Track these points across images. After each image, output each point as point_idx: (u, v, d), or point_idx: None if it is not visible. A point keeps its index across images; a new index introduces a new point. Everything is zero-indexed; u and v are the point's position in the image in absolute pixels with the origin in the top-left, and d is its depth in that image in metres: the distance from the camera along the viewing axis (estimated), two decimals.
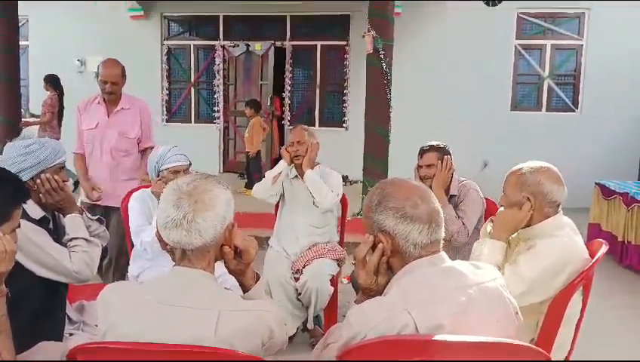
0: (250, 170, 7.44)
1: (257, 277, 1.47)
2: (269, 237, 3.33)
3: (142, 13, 8.67)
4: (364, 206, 1.34)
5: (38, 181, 1.90)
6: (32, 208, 1.88)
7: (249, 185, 7.32)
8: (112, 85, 3.32)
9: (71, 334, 2.05)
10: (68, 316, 2.10)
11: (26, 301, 1.70)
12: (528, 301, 1.75)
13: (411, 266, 1.26)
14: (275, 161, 8.13)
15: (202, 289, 1.27)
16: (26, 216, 1.77)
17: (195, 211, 1.24)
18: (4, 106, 5.76)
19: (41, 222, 1.90)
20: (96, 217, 2.18)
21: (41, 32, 9.05)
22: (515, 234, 1.94)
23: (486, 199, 2.82)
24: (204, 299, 1.24)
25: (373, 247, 1.31)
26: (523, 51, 8.00)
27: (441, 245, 1.31)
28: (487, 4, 7.65)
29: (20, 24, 6.23)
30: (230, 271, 1.43)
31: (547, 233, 1.84)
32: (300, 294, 2.91)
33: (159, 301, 1.24)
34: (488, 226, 2.06)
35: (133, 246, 2.73)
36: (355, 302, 1.40)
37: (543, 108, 8.08)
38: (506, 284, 1.32)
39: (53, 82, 6.89)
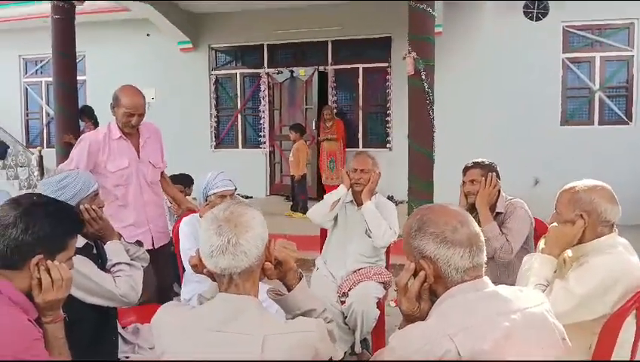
0: (296, 193, 7.53)
1: (300, 276, 1.53)
2: (314, 260, 3.35)
3: (191, 45, 9.09)
4: (404, 233, 1.36)
5: (78, 212, 1.97)
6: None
7: (294, 208, 7.41)
8: (139, 117, 2.94)
9: (127, 357, 2.14)
10: (123, 338, 2.20)
11: (79, 327, 1.78)
12: (579, 317, 1.72)
13: (453, 291, 1.26)
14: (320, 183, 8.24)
15: (248, 315, 1.31)
16: None
17: (237, 234, 1.30)
18: (64, 140, 6.13)
19: (84, 250, 1.98)
20: (135, 240, 2.27)
21: (97, 67, 9.62)
22: (569, 253, 1.91)
23: (535, 219, 2.77)
24: (250, 325, 1.29)
25: (415, 274, 1.31)
26: (571, 65, 7.79)
27: (484, 269, 1.30)
28: (531, 19, 7.54)
29: (77, 60, 6.65)
30: (273, 279, 1.50)
31: (599, 250, 1.81)
32: (346, 317, 2.91)
33: (208, 327, 1.30)
34: (541, 243, 2.03)
35: (184, 270, 2.84)
36: (398, 327, 1.42)
37: (595, 122, 7.80)
38: (555, 300, 1.31)
39: (88, 113, 7.24)
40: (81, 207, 2.00)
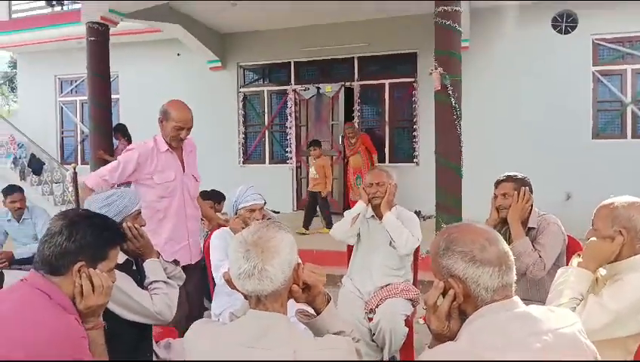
0: (321, 209, 7.46)
1: (328, 299, 1.53)
2: (342, 275, 3.36)
3: (220, 64, 9.32)
4: (432, 252, 1.36)
5: (121, 229, 2.05)
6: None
7: (306, 225, 7.25)
8: (188, 131, 2.97)
9: None
10: (155, 353, 2.25)
11: (118, 342, 1.82)
12: (612, 334, 1.69)
13: (483, 311, 1.25)
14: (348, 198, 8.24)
15: (277, 332, 1.33)
16: None
17: (263, 260, 1.32)
18: (98, 156, 6.33)
19: (124, 266, 2.05)
20: (172, 259, 2.33)
21: (129, 86, 9.92)
22: (602, 272, 1.88)
23: (568, 236, 2.72)
24: (280, 341, 1.31)
25: (444, 292, 1.31)
26: (602, 78, 7.66)
27: (514, 288, 1.29)
28: (560, 33, 7.46)
29: (111, 79, 6.87)
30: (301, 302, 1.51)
31: (635, 268, 1.78)
32: (374, 335, 2.90)
33: (239, 343, 1.33)
34: (574, 260, 2.00)
35: (214, 284, 2.89)
36: (428, 346, 1.41)
37: (628, 135, 7.63)
38: (588, 316, 1.29)
39: (122, 130, 7.47)
40: (124, 224, 2.07)
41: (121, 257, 2.04)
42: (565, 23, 7.52)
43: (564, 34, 7.50)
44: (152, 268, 2.14)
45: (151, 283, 2.10)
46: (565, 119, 7.56)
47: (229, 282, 1.50)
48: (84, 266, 1.48)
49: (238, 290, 1.41)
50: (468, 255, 1.27)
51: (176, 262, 2.33)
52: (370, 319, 2.94)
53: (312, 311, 1.55)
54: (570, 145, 7.54)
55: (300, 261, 1.45)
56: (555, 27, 7.56)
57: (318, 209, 7.47)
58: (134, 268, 2.16)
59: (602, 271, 1.90)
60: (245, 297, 1.42)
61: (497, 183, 2.78)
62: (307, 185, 7.84)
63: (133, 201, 2.15)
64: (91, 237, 1.51)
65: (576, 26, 7.47)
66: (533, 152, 7.52)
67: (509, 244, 2.51)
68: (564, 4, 7.47)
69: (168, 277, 2.19)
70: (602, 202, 1.93)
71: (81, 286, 1.46)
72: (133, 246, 2.11)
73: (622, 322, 1.70)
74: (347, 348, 1.38)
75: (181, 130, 2.90)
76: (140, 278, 2.12)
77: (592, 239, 1.91)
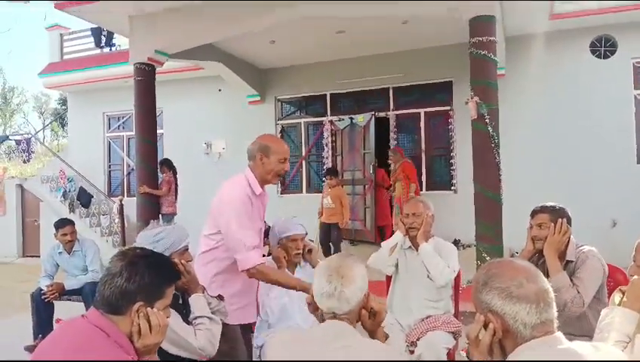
0: (335, 240, 7.24)
1: (386, 336, 1.76)
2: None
3: (259, 98, 9.61)
4: (473, 286, 1.39)
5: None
6: None
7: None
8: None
9: None
10: None
11: None
12: None
13: (524, 347, 1.26)
14: (379, 230, 8.20)
15: (349, 334, 1.58)
16: None
17: (342, 284, 1.58)
18: (141, 192, 6.56)
19: (171, 300, 2.13)
20: (217, 294, 2.39)
21: (173, 121, 10.31)
22: None
23: (611, 266, 2.63)
24: (350, 340, 1.55)
25: (485, 326, 1.33)
26: None
27: (556, 324, 1.30)
28: (599, 57, 7.36)
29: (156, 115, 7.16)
30: (365, 329, 1.73)
31: None
32: None
33: (319, 340, 1.56)
34: (616, 297, 1.95)
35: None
36: None
37: None
38: (638, 357, 1.27)
39: (167, 164, 7.87)
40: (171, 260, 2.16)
41: None
42: (604, 48, 7.42)
43: (604, 58, 7.40)
44: (197, 303, 2.20)
45: (195, 318, 2.16)
46: (607, 144, 7.39)
47: (310, 305, 1.73)
48: (143, 306, 1.54)
49: (315, 314, 1.70)
50: (505, 291, 1.29)
51: (220, 297, 2.40)
52: (412, 352, 2.91)
53: None
54: (614, 170, 7.34)
55: (368, 291, 1.68)
56: (593, 52, 7.47)
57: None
58: (180, 301, 2.23)
59: None
60: (320, 316, 1.66)
61: (533, 213, 2.68)
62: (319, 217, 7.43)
63: (180, 238, 2.23)
64: (149, 278, 1.56)
65: (615, 50, 7.36)
66: (577, 179, 7.35)
67: (546, 277, 2.46)
68: (602, 29, 7.39)
69: (212, 312, 2.24)
70: None
71: (139, 325, 1.52)
72: (180, 282, 2.16)
73: None
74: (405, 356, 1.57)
75: (285, 161, 2.63)
76: (185, 312, 2.19)
77: (634, 278, 1.88)
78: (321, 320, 1.66)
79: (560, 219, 2.56)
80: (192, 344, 2.05)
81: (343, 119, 9.07)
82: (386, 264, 3.19)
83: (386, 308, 1.77)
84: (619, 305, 1.88)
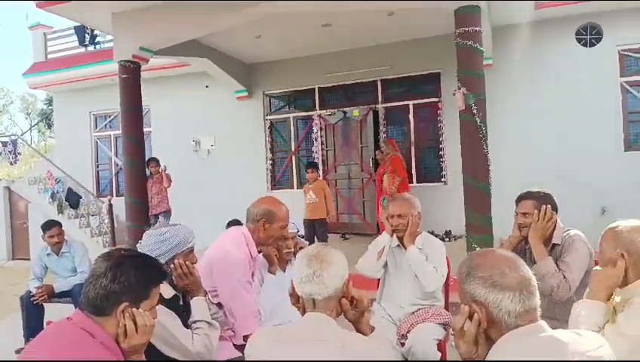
0: (323, 237, 7.02)
1: (372, 329, 1.74)
2: (373, 299, 3.35)
3: (246, 93, 9.57)
4: (457, 277, 1.39)
5: (172, 265, 2.13)
6: (165, 288, 2.10)
7: None
8: None
9: None
10: None
11: None
12: (637, 359, 1.64)
13: (508, 336, 1.27)
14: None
15: (329, 328, 1.57)
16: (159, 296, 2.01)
17: (321, 268, 1.60)
18: (132, 189, 6.52)
19: (172, 301, 2.11)
20: (217, 302, 2.37)
21: (160, 119, 10.24)
22: (617, 298, 1.85)
23: (596, 252, 2.63)
24: (331, 335, 1.54)
25: (470, 317, 1.34)
26: (630, 88, 7.52)
27: (539, 313, 1.30)
28: (585, 46, 7.39)
29: (143, 113, 7.09)
30: (348, 320, 1.72)
31: None
32: (406, 360, 2.88)
33: (298, 337, 1.55)
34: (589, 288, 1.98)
35: None
36: None
37: None
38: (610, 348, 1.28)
39: (156, 161, 8.03)
40: (175, 261, 2.14)
41: (169, 292, 2.10)
42: (590, 36, 7.46)
43: (589, 46, 7.43)
44: (198, 306, 2.19)
45: (195, 321, 2.14)
46: (595, 132, 7.44)
47: (292, 296, 1.72)
48: (128, 307, 1.53)
49: (297, 306, 1.68)
50: (488, 280, 1.30)
51: (219, 306, 2.38)
52: (403, 344, 2.91)
53: None
54: (602, 158, 7.39)
55: (349, 279, 1.68)
56: (579, 40, 7.50)
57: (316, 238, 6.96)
58: (181, 303, 2.21)
59: (617, 298, 1.86)
60: (302, 307, 1.66)
61: (518, 200, 2.69)
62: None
63: (186, 239, 2.20)
64: (134, 278, 1.56)
65: (601, 38, 7.40)
66: (565, 167, 7.39)
67: (532, 263, 2.47)
68: (587, 17, 7.42)
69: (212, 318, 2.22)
70: (610, 225, 1.92)
71: (125, 326, 1.52)
72: (182, 283, 2.16)
73: None
74: (390, 347, 1.53)
75: (286, 227, 2.68)
76: (185, 314, 2.17)
77: (595, 268, 1.91)
78: (303, 312, 1.66)
79: (544, 206, 2.57)
80: (188, 348, 2.04)
81: (334, 113, 9.05)
82: (374, 269, 3.11)
83: (368, 298, 1.74)
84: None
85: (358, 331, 1.71)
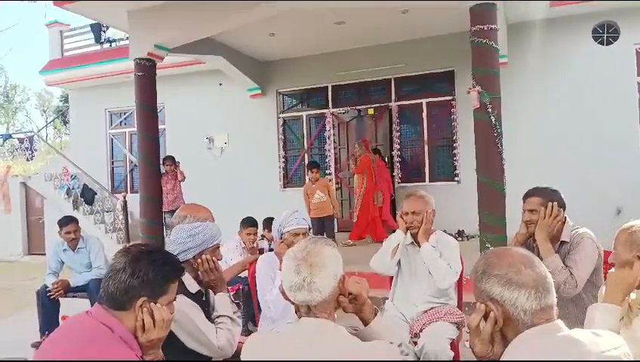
0: (331, 235, 7.10)
1: (376, 312, 1.66)
2: (385, 298, 3.34)
3: (260, 91, 9.60)
4: (472, 276, 1.39)
5: (199, 261, 2.15)
6: (191, 283, 2.14)
7: None
8: None
9: None
10: None
11: None
12: None
13: (524, 336, 1.26)
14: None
15: (326, 334, 1.46)
16: (185, 290, 2.03)
17: (312, 274, 1.46)
18: (147, 185, 6.57)
19: (196, 295, 2.13)
20: (237, 301, 2.40)
21: (175, 116, 10.31)
22: (633, 296, 1.82)
23: (606, 251, 2.59)
24: (328, 342, 1.43)
25: (486, 316, 1.33)
26: None
27: (556, 311, 1.30)
28: (602, 44, 7.30)
29: (157, 110, 7.15)
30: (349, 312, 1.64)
31: None
32: (419, 359, 2.87)
33: (294, 346, 1.44)
34: (602, 290, 1.95)
35: (260, 309, 2.96)
36: None
37: None
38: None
39: (172, 159, 8.03)
40: (202, 256, 2.16)
41: (194, 287, 2.14)
42: (606, 34, 7.36)
43: (606, 45, 7.34)
44: (221, 302, 2.21)
45: (218, 316, 2.16)
46: (612, 131, 7.34)
47: (284, 293, 1.62)
48: (146, 301, 1.55)
49: (290, 302, 1.54)
50: (504, 278, 1.30)
51: (239, 305, 2.40)
52: (415, 343, 2.89)
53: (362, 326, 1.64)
54: (618, 157, 7.30)
55: (344, 274, 1.56)
56: (596, 39, 7.41)
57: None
58: (204, 299, 2.23)
59: (633, 295, 1.80)
60: (297, 310, 1.54)
61: (525, 197, 2.67)
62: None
63: (214, 236, 2.23)
64: (153, 274, 1.58)
65: (618, 36, 7.30)
66: (581, 166, 7.32)
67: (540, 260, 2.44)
68: (604, 15, 7.32)
69: None
70: (623, 226, 1.88)
71: (143, 320, 1.54)
72: (207, 279, 2.18)
73: None
74: (392, 349, 1.46)
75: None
76: (208, 309, 2.19)
77: (611, 271, 1.87)
78: (297, 311, 1.56)
79: (550, 203, 2.55)
80: (212, 341, 2.05)
81: (348, 111, 9.03)
82: (388, 266, 3.10)
83: (367, 286, 1.64)
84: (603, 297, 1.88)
85: (362, 319, 1.65)
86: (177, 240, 2.15)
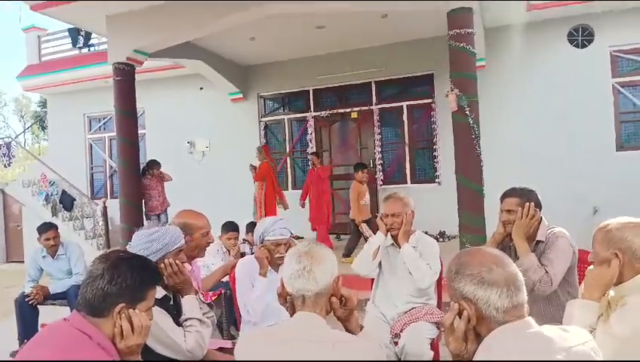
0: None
1: (361, 327, 1.75)
2: (366, 299, 3.37)
3: (241, 95, 9.59)
4: (446, 276, 1.43)
5: (162, 265, 2.14)
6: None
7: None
8: None
9: None
10: None
11: None
12: (628, 359, 1.64)
13: (496, 333, 1.30)
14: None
15: (318, 328, 1.56)
16: None
17: (311, 264, 1.60)
18: (126, 191, 6.53)
19: (162, 301, 2.11)
20: (207, 302, 2.39)
21: (155, 121, 10.24)
22: (612, 293, 1.86)
23: (581, 250, 2.64)
24: (321, 335, 1.53)
25: (460, 314, 1.37)
26: (622, 89, 7.60)
27: (526, 309, 1.34)
28: (577, 47, 7.46)
29: (137, 115, 7.09)
30: (338, 318, 1.72)
31: (638, 289, 1.75)
32: (400, 359, 2.90)
33: (288, 338, 1.52)
34: (582, 287, 1.99)
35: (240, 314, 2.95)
36: None
37: None
38: (600, 347, 1.30)
39: (156, 163, 7.83)
40: (165, 261, 2.15)
41: (160, 292, 2.10)
42: (582, 37, 7.53)
43: (581, 48, 7.50)
44: (189, 304, 2.20)
45: (186, 319, 2.16)
46: (587, 133, 7.50)
47: (280, 296, 1.71)
48: (125, 308, 1.55)
49: (285, 306, 1.68)
50: (476, 277, 1.33)
51: (210, 306, 2.40)
52: (396, 343, 2.93)
53: None
54: (594, 158, 7.46)
55: (339, 276, 1.68)
56: (571, 42, 7.57)
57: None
58: (172, 303, 2.22)
59: (612, 292, 1.86)
60: (291, 310, 1.65)
61: (502, 198, 2.73)
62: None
63: (175, 239, 2.21)
64: (131, 280, 1.57)
65: (592, 39, 7.47)
66: (558, 167, 7.46)
67: (516, 259, 2.50)
68: (579, 19, 7.49)
69: None
70: (600, 225, 1.92)
71: (122, 327, 1.53)
72: (173, 282, 2.18)
73: (632, 348, 1.65)
74: (378, 346, 1.57)
75: (209, 234, 2.66)
76: (176, 313, 2.18)
77: (589, 268, 1.90)
78: (292, 311, 1.64)
79: (527, 203, 2.60)
80: (181, 345, 2.05)
81: (330, 115, 9.07)
82: (370, 269, 3.14)
83: (357, 294, 1.73)
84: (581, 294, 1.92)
85: (347, 330, 1.71)
86: (137, 246, 2.13)
